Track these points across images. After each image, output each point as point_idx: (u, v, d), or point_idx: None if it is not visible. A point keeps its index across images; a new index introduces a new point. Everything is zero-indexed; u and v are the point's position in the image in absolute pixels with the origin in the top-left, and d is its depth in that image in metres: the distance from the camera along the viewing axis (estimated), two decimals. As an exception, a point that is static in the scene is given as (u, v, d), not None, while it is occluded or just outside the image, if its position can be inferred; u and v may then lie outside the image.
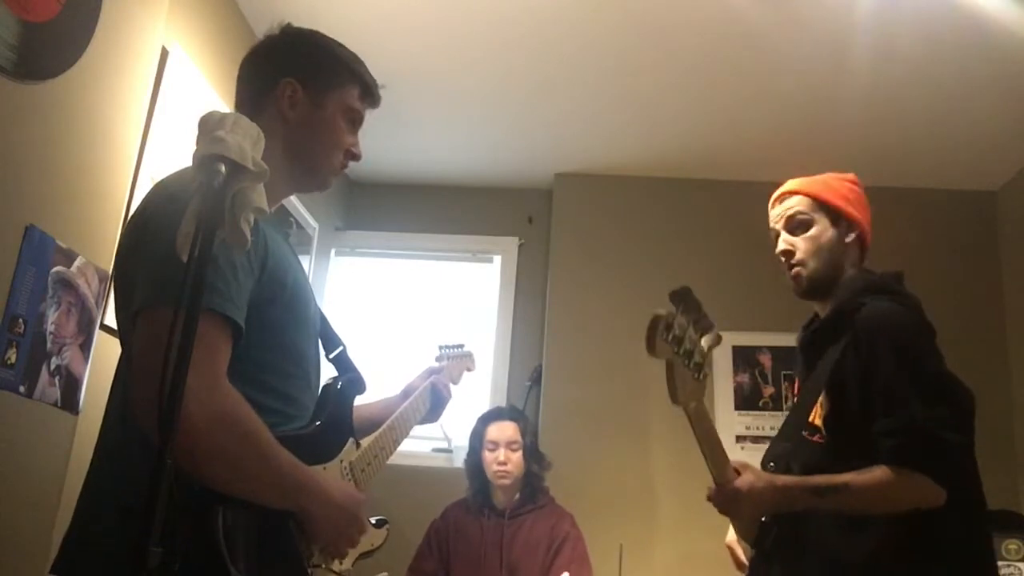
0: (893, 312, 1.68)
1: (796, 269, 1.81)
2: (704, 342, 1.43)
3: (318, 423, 1.42)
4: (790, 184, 1.89)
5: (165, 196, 1.30)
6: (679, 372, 1.40)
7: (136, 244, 1.28)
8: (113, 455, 1.27)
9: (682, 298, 1.37)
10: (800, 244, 1.81)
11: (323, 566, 1.36)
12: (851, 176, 1.91)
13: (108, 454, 1.28)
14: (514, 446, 3.04)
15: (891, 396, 1.60)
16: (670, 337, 1.34)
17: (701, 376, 1.46)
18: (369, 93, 1.55)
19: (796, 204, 1.84)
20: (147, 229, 1.27)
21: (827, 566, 1.63)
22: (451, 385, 2.00)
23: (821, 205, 1.82)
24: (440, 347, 2.10)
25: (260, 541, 1.21)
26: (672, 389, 1.40)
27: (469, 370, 2.17)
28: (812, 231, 1.81)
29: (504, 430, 3.07)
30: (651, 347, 1.32)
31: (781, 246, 1.84)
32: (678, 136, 3.65)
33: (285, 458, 1.25)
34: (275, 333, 1.33)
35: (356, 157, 1.55)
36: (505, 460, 3.00)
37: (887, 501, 1.58)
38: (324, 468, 1.40)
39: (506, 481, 3.00)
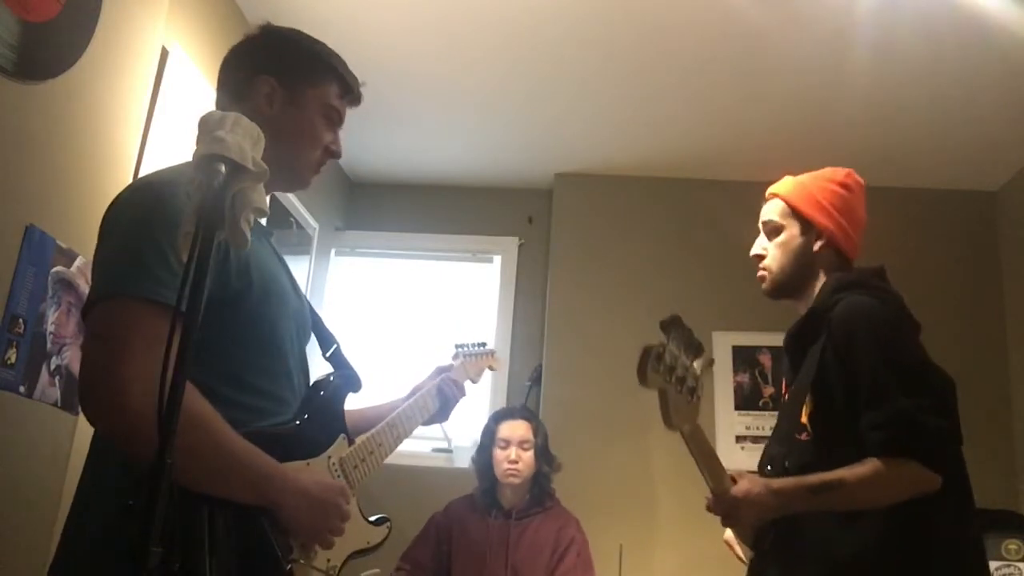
0: (868, 306, 1.68)
1: (761, 272, 1.89)
2: (696, 366, 1.48)
3: (299, 419, 1.40)
4: (775, 186, 1.93)
5: (128, 192, 1.33)
6: (672, 399, 1.44)
7: (97, 240, 1.30)
8: (104, 453, 1.26)
9: (672, 326, 1.42)
10: (770, 249, 1.88)
11: (301, 561, 1.32)
12: (840, 177, 1.88)
13: (99, 452, 1.28)
14: (526, 445, 3.02)
15: (874, 389, 1.60)
16: (661, 367, 1.39)
17: (695, 399, 1.50)
18: (349, 91, 1.55)
19: (771, 211, 1.89)
20: (103, 225, 1.29)
21: (823, 563, 1.64)
22: (466, 383, 1.98)
23: (793, 212, 1.86)
24: (456, 346, 2.06)
25: (235, 539, 1.19)
26: (666, 415, 1.45)
27: (492, 368, 2.16)
28: (781, 237, 1.86)
29: (516, 429, 3.06)
30: (643, 379, 1.38)
31: (754, 249, 1.91)
32: (678, 136, 3.65)
33: (243, 447, 1.22)
34: (248, 327, 1.32)
35: (335, 155, 1.54)
36: (516, 459, 2.99)
37: (883, 492, 1.58)
38: (308, 464, 1.37)
39: (515, 480, 2.98)
